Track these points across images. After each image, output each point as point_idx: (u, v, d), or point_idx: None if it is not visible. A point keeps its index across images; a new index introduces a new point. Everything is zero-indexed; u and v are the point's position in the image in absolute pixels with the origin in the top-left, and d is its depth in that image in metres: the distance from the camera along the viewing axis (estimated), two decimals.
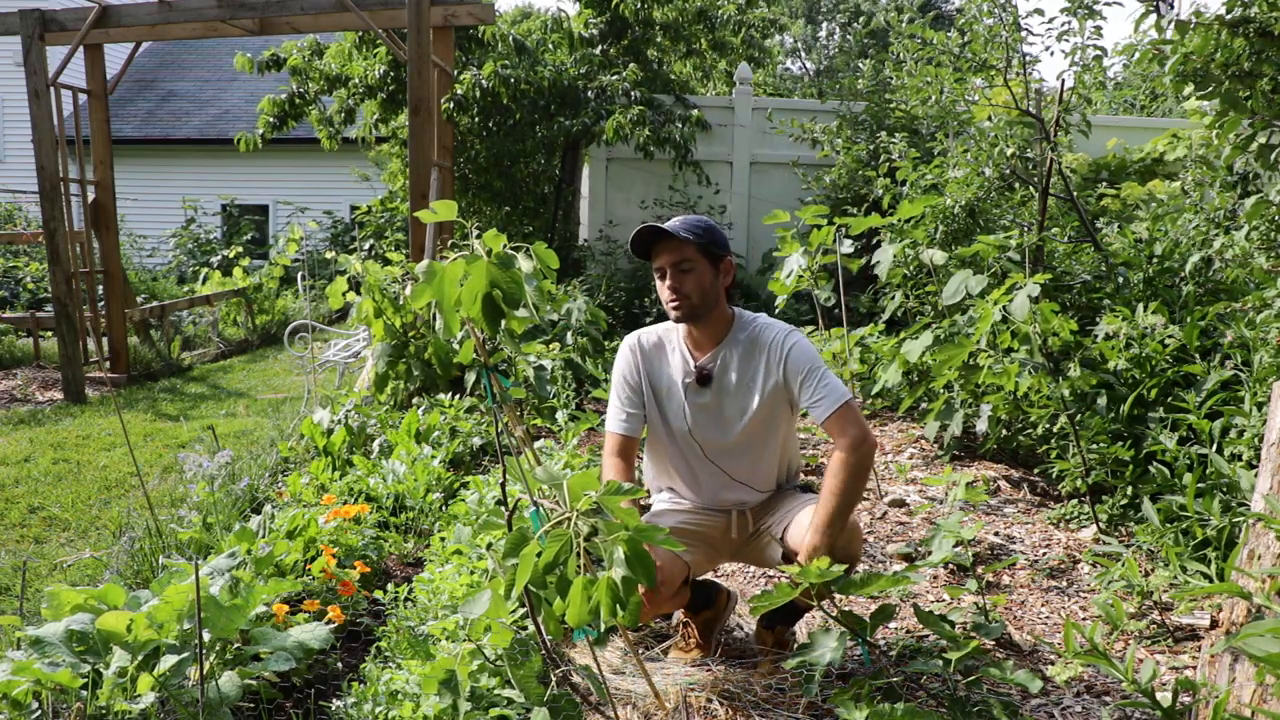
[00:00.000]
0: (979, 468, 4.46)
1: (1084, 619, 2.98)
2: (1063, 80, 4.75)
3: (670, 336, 2.60)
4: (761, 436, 2.55)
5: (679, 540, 2.31)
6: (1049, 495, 4.17)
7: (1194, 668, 2.53)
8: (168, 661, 2.10)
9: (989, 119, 5.32)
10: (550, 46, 9.36)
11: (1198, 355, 3.64)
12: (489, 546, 2.84)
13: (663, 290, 2.47)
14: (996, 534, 3.70)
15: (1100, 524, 3.60)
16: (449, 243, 4.89)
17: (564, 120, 8.37)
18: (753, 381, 2.50)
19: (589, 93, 8.56)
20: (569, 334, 6.32)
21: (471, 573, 2.73)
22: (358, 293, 5.43)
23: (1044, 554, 3.49)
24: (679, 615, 2.80)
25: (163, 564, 2.85)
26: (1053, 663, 2.62)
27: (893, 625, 2.93)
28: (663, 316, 2.82)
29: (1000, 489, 4.19)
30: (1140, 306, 3.97)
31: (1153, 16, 3.74)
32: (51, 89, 6.91)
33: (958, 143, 5.62)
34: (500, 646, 2.06)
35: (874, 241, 5.67)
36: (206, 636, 2.23)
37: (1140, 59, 3.80)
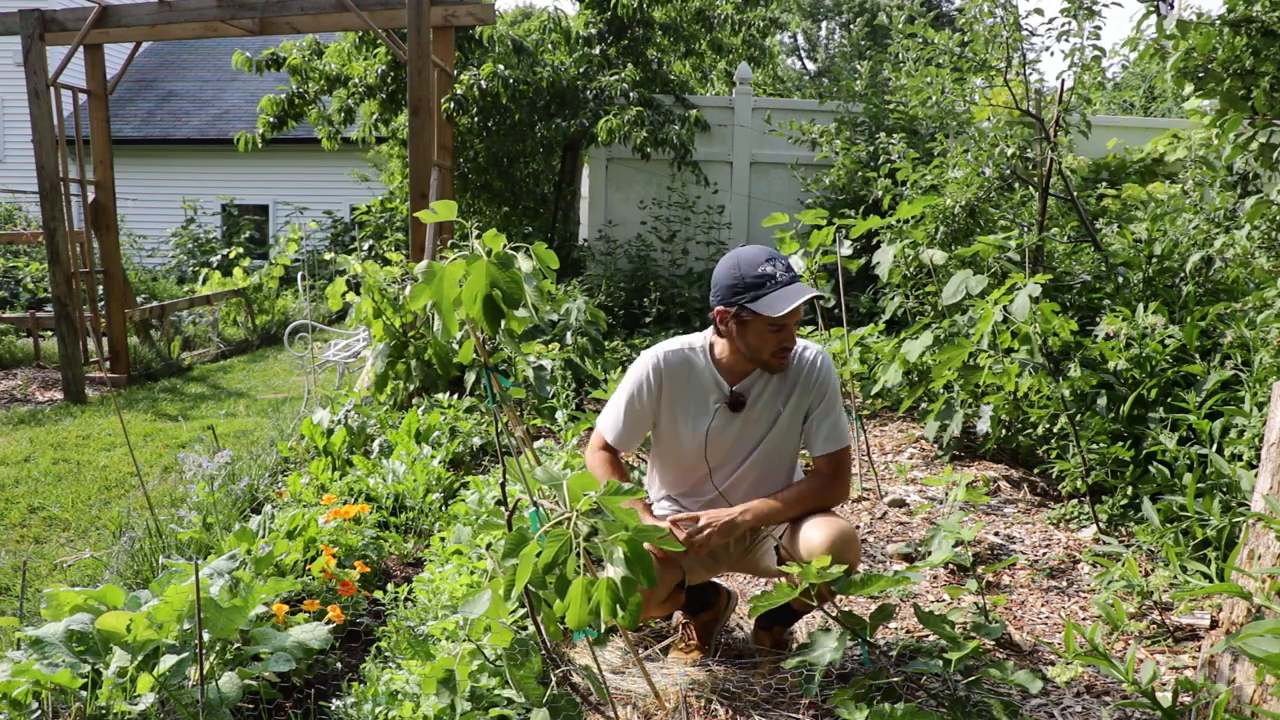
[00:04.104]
0: (979, 468, 4.46)
1: (1084, 619, 2.98)
2: (1062, 80, 4.75)
3: (697, 356, 2.51)
4: (774, 459, 2.53)
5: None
6: (1049, 495, 4.17)
7: (1194, 668, 2.53)
8: (167, 662, 2.10)
9: (989, 119, 5.32)
10: (549, 47, 9.36)
11: (1198, 355, 3.65)
12: (489, 546, 2.83)
13: (770, 340, 2.37)
14: (996, 534, 3.69)
15: (1100, 524, 3.60)
16: (449, 243, 4.89)
17: (562, 121, 8.37)
18: (784, 401, 2.48)
19: (588, 93, 8.55)
20: (569, 334, 6.32)
21: (471, 573, 2.72)
22: (357, 293, 5.42)
23: (1044, 554, 3.49)
24: (679, 616, 2.80)
25: (163, 564, 2.85)
26: (1053, 663, 2.62)
27: (893, 625, 2.93)
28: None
29: (1000, 489, 4.19)
30: (1140, 306, 3.97)
31: (1153, 17, 3.74)
32: (51, 89, 6.91)
33: (957, 143, 5.61)
34: (500, 646, 2.06)
35: (874, 242, 5.66)
36: (206, 637, 2.23)
37: (1141, 56, 3.79)
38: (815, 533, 2.36)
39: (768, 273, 2.32)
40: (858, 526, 3.82)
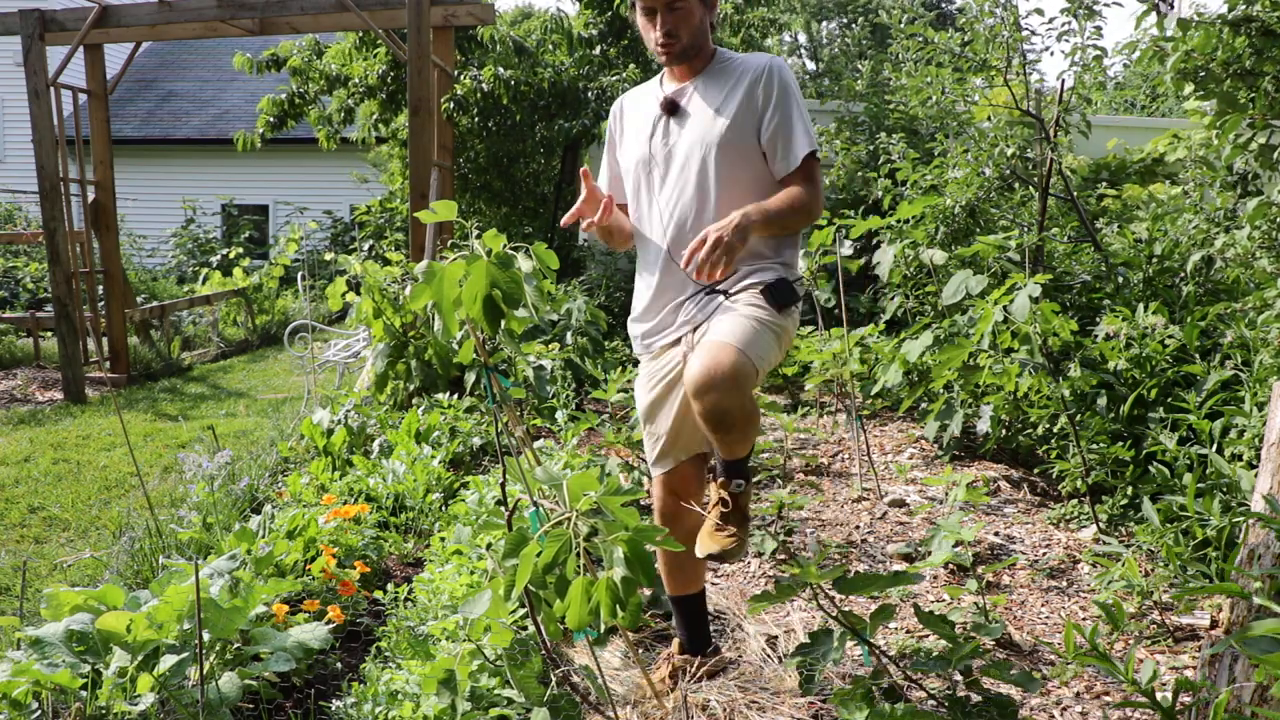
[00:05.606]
0: (979, 468, 4.45)
1: (1084, 619, 2.98)
2: (1063, 80, 4.75)
3: (653, 84, 2.49)
4: (725, 174, 2.30)
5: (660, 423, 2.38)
6: (1049, 495, 4.17)
7: (1194, 668, 2.53)
8: (167, 662, 2.10)
9: (989, 119, 5.32)
10: (550, 47, 9.36)
11: (1198, 355, 3.64)
12: (489, 546, 2.83)
13: (650, 33, 2.33)
14: (996, 534, 3.69)
15: (1100, 524, 3.60)
16: (449, 243, 4.89)
17: (564, 122, 8.37)
18: (725, 103, 2.33)
19: (589, 93, 8.56)
20: (569, 334, 6.32)
21: (471, 573, 2.73)
22: (357, 293, 5.43)
23: (1044, 554, 3.49)
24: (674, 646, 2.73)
25: (163, 564, 2.85)
26: (1053, 663, 2.62)
27: (893, 625, 2.93)
28: None
29: (1000, 489, 4.19)
30: (1140, 306, 3.97)
31: (1153, 15, 3.74)
32: (51, 89, 6.91)
33: (958, 143, 5.62)
34: (500, 646, 2.06)
35: (874, 242, 5.67)
36: (206, 637, 2.23)
37: (1141, 57, 3.80)
38: (695, 360, 2.11)
39: None
40: (857, 527, 3.82)
